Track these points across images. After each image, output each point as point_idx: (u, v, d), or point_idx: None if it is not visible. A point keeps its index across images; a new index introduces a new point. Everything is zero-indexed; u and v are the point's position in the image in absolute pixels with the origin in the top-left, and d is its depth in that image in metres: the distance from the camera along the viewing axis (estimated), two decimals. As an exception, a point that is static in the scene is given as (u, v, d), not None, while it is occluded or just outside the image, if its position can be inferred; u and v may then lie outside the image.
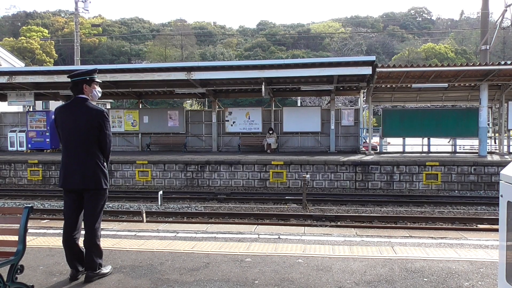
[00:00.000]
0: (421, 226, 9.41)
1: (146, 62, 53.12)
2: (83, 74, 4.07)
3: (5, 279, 3.23)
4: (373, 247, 5.04)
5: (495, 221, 8.79)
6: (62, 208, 4.07)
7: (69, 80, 4.10)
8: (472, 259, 4.55)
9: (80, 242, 4.02)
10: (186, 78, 15.63)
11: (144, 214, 9.18)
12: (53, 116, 4.45)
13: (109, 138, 4.08)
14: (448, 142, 21.29)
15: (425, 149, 19.18)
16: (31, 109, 20.95)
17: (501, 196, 3.31)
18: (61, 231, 4.03)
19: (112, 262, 4.42)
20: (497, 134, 19.86)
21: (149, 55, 67.46)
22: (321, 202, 12.22)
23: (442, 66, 15.19)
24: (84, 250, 3.99)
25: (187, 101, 36.86)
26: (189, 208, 11.75)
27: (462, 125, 16.99)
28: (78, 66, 22.15)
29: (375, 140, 21.85)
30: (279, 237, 5.54)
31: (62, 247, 4.00)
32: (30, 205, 3.42)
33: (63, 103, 4.21)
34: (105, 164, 4.09)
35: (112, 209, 11.38)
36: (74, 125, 3.95)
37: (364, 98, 19.60)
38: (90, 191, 3.95)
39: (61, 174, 4.01)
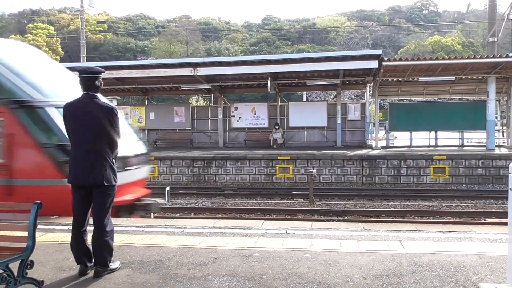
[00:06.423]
0: (428, 220, 9.38)
1: (152, 58, 53.12)
2: (100, 71, 4.11)
3: (15, 274, 3.27)
4: (381, 241, 5.02)
5: (503, 215, 8.74)
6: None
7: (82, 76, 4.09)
8: (480, 253, 4.52)
9: (89, 238, 4.05)
10: (191, 74, 15.64)
11: (151, 210, 9.20)
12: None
13: (119, 135, 4.09)
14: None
15: (432, 143, 19.08)
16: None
17: (510, 189, 3.29)
18: (70, 227, 4.06)
19: (120, 258, 4.45)
20: (505, 127, 19.70)
21: (154, 52, 67.48)
22: (328, 197, 12.21)
23: (449, 59, 15.09)
24: (91, 246, 4.01)
25: (193, 97, 36.87)
26: (196, 204, 11.79)
27: (469, 118, 16.88)
28: (83, 63, 22.20)
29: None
30: (286, 232, 5.54)
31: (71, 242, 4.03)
32: (39, 202, 3.44)
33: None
34: (114, 160, 4.11)
35: (120, 205, 11.42)
36: (84, 122, 3.95)
37: (371, 92, 19.52)
38: (99, 188, 3.96)
39: (71, 170, 4.03)
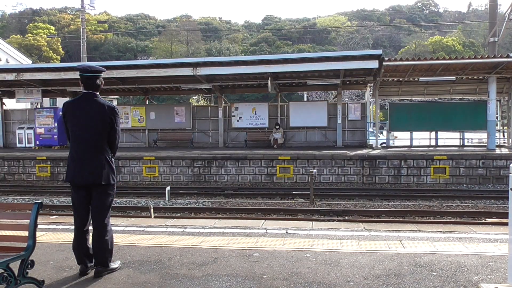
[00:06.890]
0: (429, 220, 9.37)
1: (152, 58, 53.19)
2: (100, 70, 4.11)
3: (16, 274, 3.27)
4: (381, 241, 5.02)
5: (504, 215, 8.73)
6: (71, 204, 4.09)
7: (77, 76, 4.11)
8: (481, 253, 4.52)
9: (89, 238, 4.04)
10: (192, 74, 15.62)
11: (152, 210, 9.23)
12: (60, 113, 4.48)
13: (118, 134, 4.10)
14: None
15: (433, 143, 19.07)
16: (38, 106, 21.09)
17: (511, 189, 3.29)
18: (70, 227, 4.06)
19: (121, 257, 4.45)
20: (505, 127, 19.68)
21: (155, 51, 67.54)
22: (329, 197, 12.21)
23: (450, 59, 15.06)
24: (91, 246, 4.01)
25: (194, 97, 36.92)
26: (197, 204, 11.78)
27: (470, 118, 16.88)
28: (85, 63, 22.22)
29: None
30: (287, 232, 5.54)
31: (72, 242, 4.03)
32: (39, 201, 3.45)
33: (71, 98, 4.21)
34: (112, 159, 4.10)
35: (120, 205, 11.44)
36: (85, 121, 3.95)
37: (371, 92, 19.51)
38: (99, 187, 3.96)
39: (70, 169, 4.01)
